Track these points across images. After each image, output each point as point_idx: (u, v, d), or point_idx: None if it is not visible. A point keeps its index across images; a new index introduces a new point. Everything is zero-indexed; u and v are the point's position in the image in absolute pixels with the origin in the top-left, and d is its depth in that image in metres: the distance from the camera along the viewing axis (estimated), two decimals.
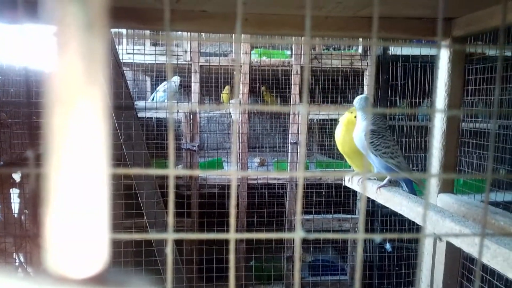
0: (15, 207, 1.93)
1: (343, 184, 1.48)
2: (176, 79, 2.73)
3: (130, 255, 2.20)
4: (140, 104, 2.45)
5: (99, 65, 0.21)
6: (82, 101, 0.21)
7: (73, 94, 0.21)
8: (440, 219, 0.92)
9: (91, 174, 0.22)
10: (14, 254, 1.89)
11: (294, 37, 1.53)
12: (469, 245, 0.82)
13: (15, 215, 1.93)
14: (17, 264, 1.91)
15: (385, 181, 1.21)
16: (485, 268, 1.64)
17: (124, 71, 2.39)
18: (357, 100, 1.26)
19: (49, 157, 0.22)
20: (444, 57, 1.21)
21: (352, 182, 1.40)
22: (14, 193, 1.94)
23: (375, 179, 1.31)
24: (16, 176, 1.95)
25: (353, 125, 1.31)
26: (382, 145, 1.19)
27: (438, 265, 1.22)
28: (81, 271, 0.23)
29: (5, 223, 1.86)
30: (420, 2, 1.02)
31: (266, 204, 2.50)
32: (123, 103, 2.13)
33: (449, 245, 1.18)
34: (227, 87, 2.98)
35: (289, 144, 2.54)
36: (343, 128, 1.35)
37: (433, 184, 1.28)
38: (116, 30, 2.44)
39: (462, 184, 2.02)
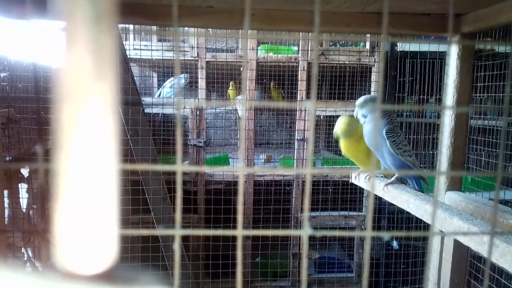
0: (23, 202, 1.95)
1: (350, 181, 1.47)
2: (184, 76, 2.73)
3: (137, 250, 2.21)
4: (147, 100, 2.46)
5: (107, 61, 0.21)
6: (90, 96, 0.21)
7: (82, 89, 0.21)
8: (448, 217, 0.91)
9: (100, 170, 0.22)
10: (23, 248, 1.91)
11: (301, 33, 1.52)
12: (477, 244, 0.81)
13: (23, 210, 1.95)
14: (25, 258, 1.93)
15: (392, 178, 1.20)
16: (492, 266, 1.63)
17: (131, 67, 2.39)
18: (363, 100, 1.24)
19: (58, 152, 0.22)
20: (453, 53, 1.20)
21: (359, 179, 1.39)
22: (22, 188, 1.96)
23: (382, 176, 1.30)
24: (24, 171, 1.97)
25: (351, 126, 1.29)
26: (402, 143, 1.18)
27: (446, 263, 1.22)
28: (90, 267, 0.23)
29: (13, 218, 1.88)
30: None
31: (272, 200, 2.50)
32: (130, 98, 2.13)
33: (457, 243, 1.17)
34: (231, 82, 2.97)
35: (296, 140, 2.54)
36: (347, 129, 1.32)
37: (441, 181, 1.27)
38: (123, 25, 2.44)
39: (470, 182, 2.01)
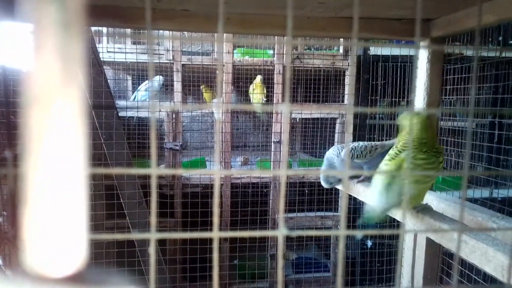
0: None
1: None
2: (159, 79, 2.70)
3: (112, 256, 2.17)
4: (121, 103, 2.42)
5: (76, 64, 0.21)
6: (59, 100, 0.21)
7: (50, 93, 0.21)
8: (420, 215, 0.93)
9: (69, 174, 0.22)
10: None
11: (276, 37, 1.54)
12: (448, 241, 0.84)
13: None
14: None
15: (362, 176, 1.24)
16: (464, 263, 1.68)
17: (105, 70, 2.35)
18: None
19: (27, 157, 0.21)
20: (423, 57, 1.24)
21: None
22: None
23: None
24: None
25: None
26: None
27: (419, 260, 1.25)
28: (60, 271, 0.22)
29: None
30: (399, 3, 1.04)
31: (249, 203, 2.50)
32: (103, 102, 2.10)
33: (429, 241, 1.21)
34: (203, 86, 2.93)
35: (272, 143, 2.55)
36: None
37: None
38: (96, 28, 2.40)
39: (441, 181, 2.07)
